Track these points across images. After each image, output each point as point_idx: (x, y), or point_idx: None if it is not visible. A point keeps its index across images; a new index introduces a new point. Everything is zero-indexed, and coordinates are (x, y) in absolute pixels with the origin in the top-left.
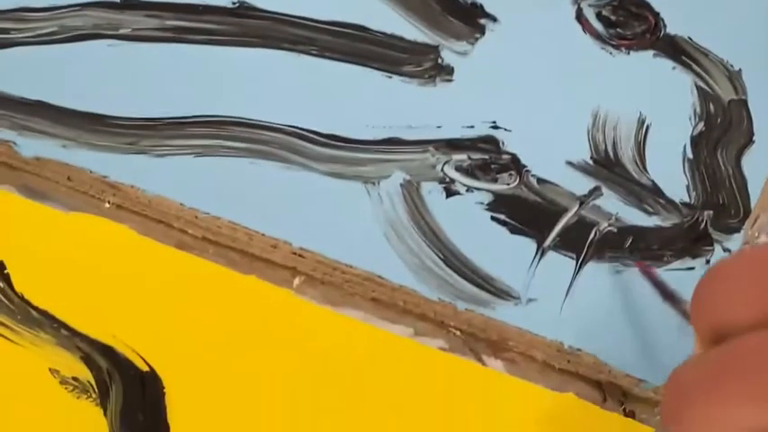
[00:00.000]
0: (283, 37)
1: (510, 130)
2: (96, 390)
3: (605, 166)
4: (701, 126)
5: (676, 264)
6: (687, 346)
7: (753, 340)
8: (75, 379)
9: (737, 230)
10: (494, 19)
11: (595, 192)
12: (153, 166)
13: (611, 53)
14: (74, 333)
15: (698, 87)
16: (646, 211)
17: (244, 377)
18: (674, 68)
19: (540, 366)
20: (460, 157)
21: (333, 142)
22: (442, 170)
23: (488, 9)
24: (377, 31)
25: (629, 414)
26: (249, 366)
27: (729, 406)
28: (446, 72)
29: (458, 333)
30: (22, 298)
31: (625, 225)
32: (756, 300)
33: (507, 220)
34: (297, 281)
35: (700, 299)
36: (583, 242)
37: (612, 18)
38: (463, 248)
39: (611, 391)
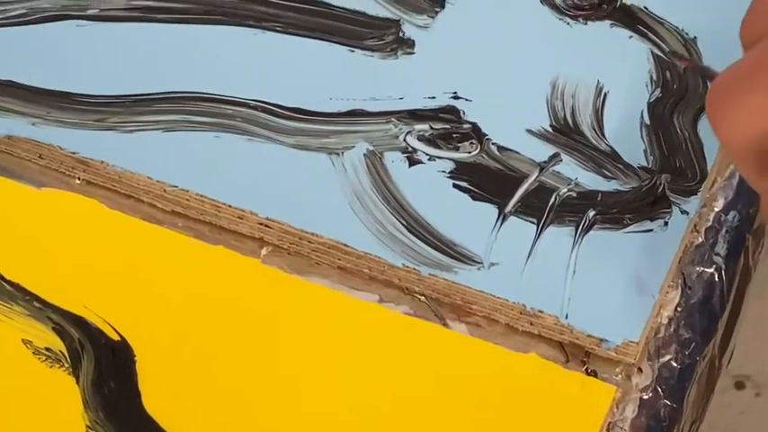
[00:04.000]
0: (248, 14)
1: (471, 100)
2: (69, 359)
3: (564, 133)
4: (657, 92)
5: (635, 226)
6: (647, 306)
7: None
8: (47, 349)
9: (695, 193)
10: None
11: (555, 158)
12: (122, 141)
13: (568, 24)
14: (46, 305)
15: (654, 55)
16: (604, 175)
17: (212, 345)
18: (630, 37)
19: (504, 329)
20: (422, 126)
21: (297, 115)
22: (405, 140)
23: None
24: (339, 7)
25: (592, 373)
26: (218, 335)
27: (757, 95)
28: (407, 45)
29: (422, 298)
30: None
31: (584, 190)
32: None
33: (469, 187)
34: (264, 251)
35: (747, 16)
36: (543, 207)
37: None
38: (426, 215)
39: (573, 352)
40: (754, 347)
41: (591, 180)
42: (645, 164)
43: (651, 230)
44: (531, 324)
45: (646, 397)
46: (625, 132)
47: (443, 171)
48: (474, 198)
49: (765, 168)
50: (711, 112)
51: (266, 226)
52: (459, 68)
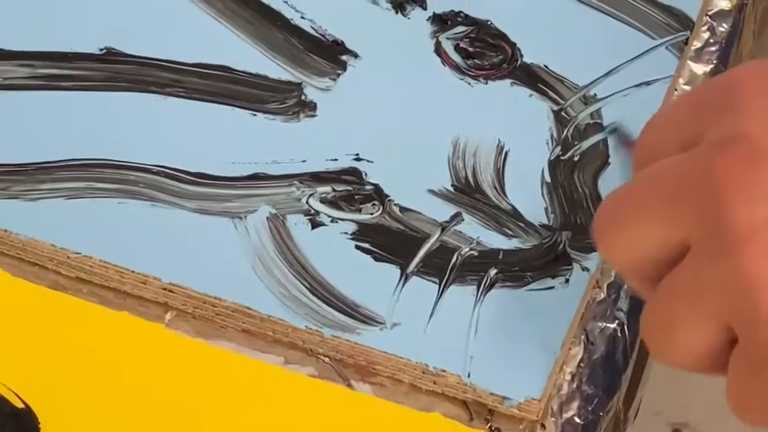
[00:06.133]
0: (151, 80)
1: (372, 162)
2: None
3: (466, 193)
4: (558, 150)
5: (536, 284)
6: (549, 363)
7: (661, 164)
8: None
9: (595, 250)
10: (355, 55)
11: (457, 218)
12: (25, 210)
13: (469, 83)
14: None
15: (554, 113)
16: (506, 234)
17: (117, 411)
18: (530, 96)
19: (408, 388)
20: (325, 189)
21: (200, 180)
22: (308, 203)
23: (350, 46)
24: (241, 71)
25: (495, 431)
26: (123, 400)
27: (640, 221)
28: (309, 108)
29: (326, 360)
30: None
31: (486, 248)
32: (677, 126)
33: (371, 248)
34: (169, 315)
35: (642, 134)
36: (445, 266)
37: (470, 49)
38: (329, 277)
39: (476, 410)
40: (691, 394)
41: (492, 239)
42: (546, 221)
43: (552, 288)
44: (435, 383)
45: None
46: (526, 190)
47: (346, 233)
48: (376, 259)
49: (652, 284)
50: (598, 234)
51: (170, 291)
52: (360, 130)
